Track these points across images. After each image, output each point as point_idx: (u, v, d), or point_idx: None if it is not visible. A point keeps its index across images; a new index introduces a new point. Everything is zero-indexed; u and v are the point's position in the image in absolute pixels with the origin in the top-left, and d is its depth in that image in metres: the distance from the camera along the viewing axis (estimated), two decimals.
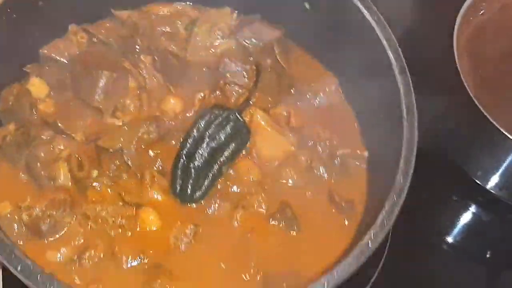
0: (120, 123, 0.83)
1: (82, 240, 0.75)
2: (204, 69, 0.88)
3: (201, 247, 0.77)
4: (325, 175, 0.84)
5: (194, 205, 0.80)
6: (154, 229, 0.77)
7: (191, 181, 0.79)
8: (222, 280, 0.75)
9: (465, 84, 0.91)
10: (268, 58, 0.89)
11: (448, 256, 0.98)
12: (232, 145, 0.82)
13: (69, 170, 0.77)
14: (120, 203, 0.77)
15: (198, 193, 0.79)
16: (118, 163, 0.79)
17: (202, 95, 0.86)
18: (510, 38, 1.02)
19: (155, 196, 0.79)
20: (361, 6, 0.83)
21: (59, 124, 0.81)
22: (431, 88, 1.08)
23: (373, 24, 0.82)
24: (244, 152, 0.84)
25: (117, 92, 0.83)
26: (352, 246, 0.70)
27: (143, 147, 0.80)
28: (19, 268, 0.64)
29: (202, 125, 0.82)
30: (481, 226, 1.01)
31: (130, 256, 0.74)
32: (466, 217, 1.02)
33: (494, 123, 0.87)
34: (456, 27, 0.96)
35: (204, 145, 0.81)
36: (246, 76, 0.87)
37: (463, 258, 0.99)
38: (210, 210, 0.79)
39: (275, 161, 0.84)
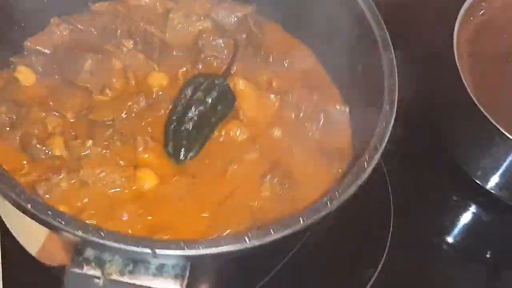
0: (108, 99, 0.86)
1: (80, 202, 0.77)
2: (184, 48, 0.93)
3: (196, 201, 0.79)
4: (312, 130, 0.87)
5: (187, 165, 0.82)
6: (152, 186, 0.79)
7: (183, 142, 0.83)
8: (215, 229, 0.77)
9: (465, 84, 0.91)
10: (243, 33, 0.95)
11: (448, 256, 0.98)
12: (220, 108, 0.86)
13: (64, 142, 0.80)
14: (116, 166, 0.80)
15: (190, 154, 0.83)
16: (111, 131, 0.82)
17: (185, 69, 0.90)
18: (510, 38, 1.02)
19: (149, 160, 0.82)
20: None
21: (50, 104, 0.84)
22: (431, 88, 1.09)
23: None
24: (232, 114, 0.87)
25: (103, 72, 0.87)
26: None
27: (133, 115, 0.84)
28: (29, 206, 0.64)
29: (189, 92, 0.86)
30: (481, 226, 1.01)
31: (129, 213, 0.76)
32: (466, 217, 1.02)
33: (494, 123, 0.87)
34: (456, 27, 0.96)
35: (193, 109, 0.84)
36: (225, 49, 0.92)
37: (463, 258, 0.99)
38: (203, 169, 0.82)
39: (262, 122, 0.87)
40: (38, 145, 0.80)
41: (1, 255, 0.78)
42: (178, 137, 0.83)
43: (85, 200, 0.77)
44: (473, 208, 1.02)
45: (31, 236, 0.79)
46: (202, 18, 0.95)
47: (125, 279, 0.66)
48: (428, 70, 1.08)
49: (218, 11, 0.96)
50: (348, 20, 0.87)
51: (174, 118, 0.84)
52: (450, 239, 1.00)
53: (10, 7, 0.86)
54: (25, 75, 0.87)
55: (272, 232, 0.66)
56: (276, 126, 0.87)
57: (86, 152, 0.80)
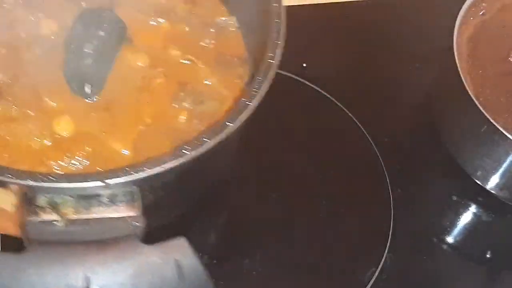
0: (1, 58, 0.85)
1: (4, 161, 0.75)
2: None
3: (116, 133, 0.79)
4: (206, 42, 0.88)
5: (99, 102, 0.82)
6: (70, 131, 0.79)
7: (86, 77, 0.82)
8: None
9: (465, 84, 0.91)
10: None
11: (448, 256, 0.98)
12: (113, 38, 0.86)
13: None
14: (30, 117, 0.79)
15: (95, 88, 0.82)
16: (15, 87, 0.80)
17: (70, 10, 0.88)
18: (510, 38, 1.02)
19: (61, 107, 0.81)
20: None
21: None
22: (431, 88, 1.09)
23: None
24: (126, 43, 0.87)
25: None
26: None
27: (33, 66, 0.83)
28: None
29: (80, 28, 0.85)
30: (481, 226, 1.01)
31: (58, 161, 0.75)
32: (466, 217, 1.02)
33: (494, 123, 0.87)
34: (456, 27, 0.96)
35: (88, 44, 0.83)
36: None
37: (463, 258, 0.99)
38: (115, 101, 0.82)
39: (157, 45, 0.88)
40: None
41: None
42: (79, 74, 0.82)
43: (10, 157, 0.76)
44: (473, 208, 1.02)
45: None
46: None
47: (83, 215, 0.66)
48: (428, 70, 1.08)
49: None
50: None
51: (72, 56, 0.83)
52: (450, 239, 0.99)
53: None
54: None
55: (207, 140, 0.66)
56: (171, 45, 0.88)
57: None
